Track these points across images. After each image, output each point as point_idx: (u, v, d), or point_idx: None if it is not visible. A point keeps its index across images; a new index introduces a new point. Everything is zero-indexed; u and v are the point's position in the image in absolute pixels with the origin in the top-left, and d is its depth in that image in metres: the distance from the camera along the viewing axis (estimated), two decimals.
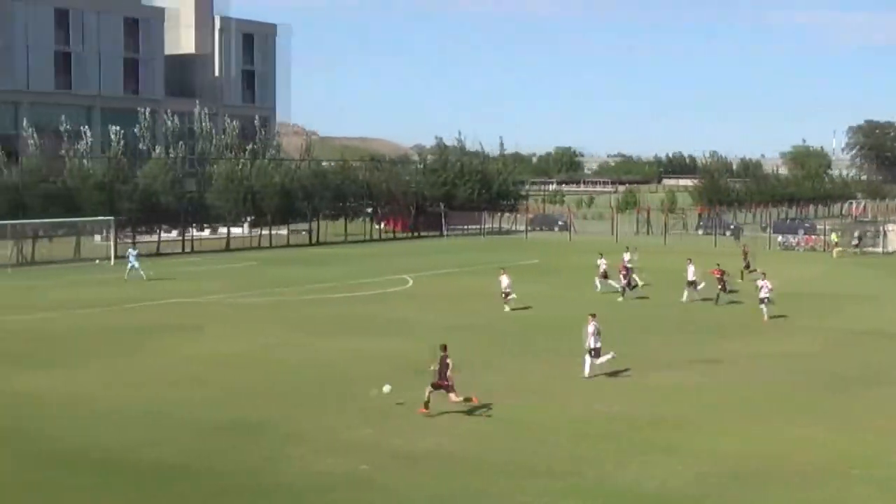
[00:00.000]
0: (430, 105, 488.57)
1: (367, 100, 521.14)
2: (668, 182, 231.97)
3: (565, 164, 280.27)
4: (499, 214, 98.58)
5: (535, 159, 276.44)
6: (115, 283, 50.66)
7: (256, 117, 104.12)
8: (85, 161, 72.82)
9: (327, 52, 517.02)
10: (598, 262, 47.79)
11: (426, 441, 21.79)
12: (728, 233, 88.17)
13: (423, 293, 47.60)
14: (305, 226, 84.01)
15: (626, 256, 50.53)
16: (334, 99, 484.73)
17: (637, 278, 47.48)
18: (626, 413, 24.39)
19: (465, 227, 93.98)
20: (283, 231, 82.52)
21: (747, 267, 53.22)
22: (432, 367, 24.14)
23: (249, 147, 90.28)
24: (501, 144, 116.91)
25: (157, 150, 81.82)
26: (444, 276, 54.19)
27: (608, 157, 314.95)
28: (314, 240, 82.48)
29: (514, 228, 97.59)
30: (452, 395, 23.80)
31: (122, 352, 32.46)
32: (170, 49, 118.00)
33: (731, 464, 20.48)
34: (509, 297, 41.75)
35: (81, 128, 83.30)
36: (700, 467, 20.20)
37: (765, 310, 39.06)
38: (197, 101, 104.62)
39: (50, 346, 33.34)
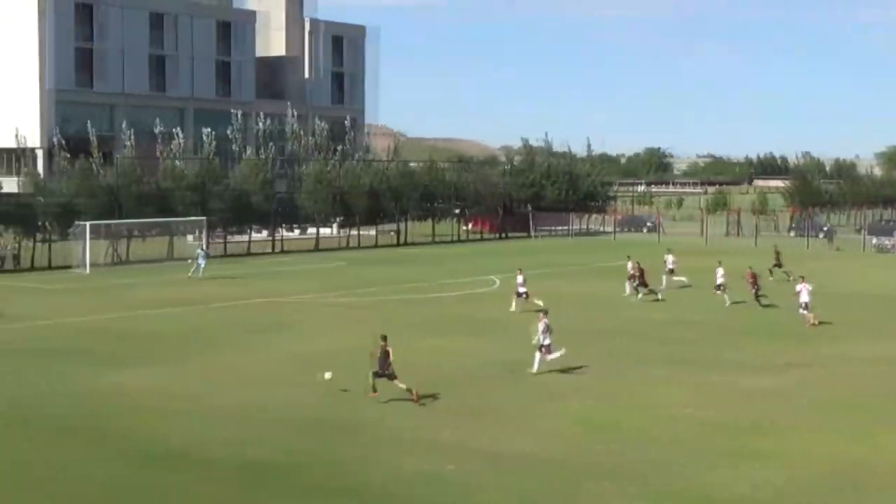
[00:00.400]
0: (518, 106, 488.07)
1: (455, 101, 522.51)
2: (759, 183, 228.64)
3: (654, 166, 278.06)
4: (587, 216, 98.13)
5: (623, 160, 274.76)
6: (207, 283, 51.52)
7: (346, 118, 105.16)
8: (178, 162, 74.18)
9: (416, 53, 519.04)
10: (668, 258, 48.13)
11: (511, 442, 21.84)
12: (821, 235, 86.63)
13: (511, 294, 47.52)
14: (393, 226, 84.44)
15: (670, 258, 50.31)
16: (422, 100, 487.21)
17: (684, 279, 48.50)
18: (717, 417, 24.14)
19: (553, 228, 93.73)
20: (372, 231, 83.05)
21: (778, 265, 52.88)
22: (372, 353, 25.88)
23: (338, 148, 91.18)
24: (589, 145, 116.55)
25: (248, 152, 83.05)
26: (531, 278, 53.93)
27: (698, 157, 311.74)
28: (402, 240, 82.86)
29: (601, 230, 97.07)
30: (396, 382, 25.29)
31: (216, 350, 33.01)
32: (260, 51, 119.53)
33: (823, 469, 20.16)
34: (522, 297, 41.64)
35: (174, 129, 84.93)
36: (791, 472, 19.93)
37: (807, 315, 37.77)
38: (287, 103, 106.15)
39: (144, 345, 34.01)
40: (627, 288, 46.22)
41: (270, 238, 75.11)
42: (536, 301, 40.72)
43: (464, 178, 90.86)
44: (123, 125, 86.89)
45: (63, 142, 73.72)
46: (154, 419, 23.73)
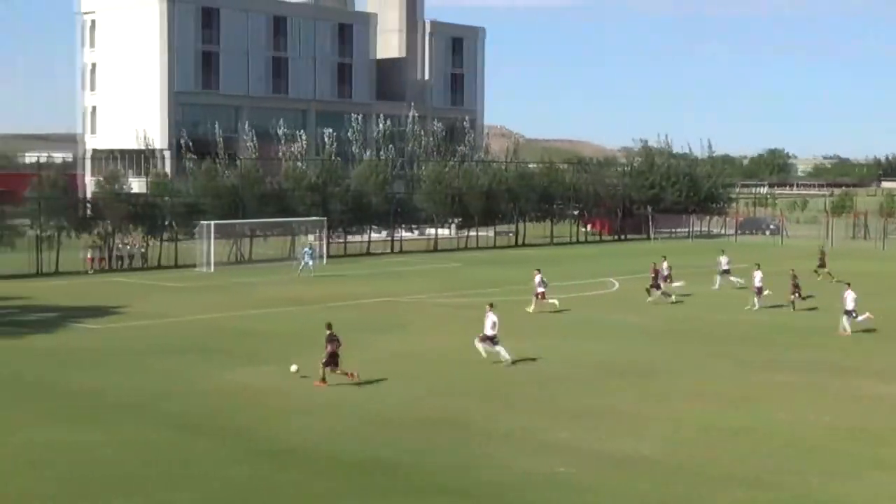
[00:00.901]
0: (637, 106, 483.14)
1: (573, 102, 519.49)
2: (886, 185, 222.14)
3: (776, 167, 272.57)
4: (707, 217, 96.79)
5: (745, 161, 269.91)
6: (325, 282, 52.30)
7: (465, 119, 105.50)
8: (299, 163, 75.42)
9: (535, 54, 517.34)
10: (662, 265, 47.28)
11: (624, 444, 21.76)
12: None
13: (630, 296, 47.28)
14: (511, 227, 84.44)
15: (724, 259, 50.70)
16: (541, 101, 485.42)
17: (741, 280, 48.56)
18: (837, 423, 23.69)
19: (673, 230, 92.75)
20: (489, 232, 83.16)
21: (822, 265, 53.09)
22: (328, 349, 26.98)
23: (456, 149, 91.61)
24: (710, 146, 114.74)
25: (368, 153, 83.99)
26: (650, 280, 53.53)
27: (824, 158, 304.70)
28: (519, 241, 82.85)
29: (722, 232, 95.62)
30: (336, 369, 26.97)
31: None
32: (379, 53, 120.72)
33: None
34: (542, 300, 41.50)
35: (296, 131, 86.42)
36: None
37: (846, 322, 36.58)
38: (405, 105, 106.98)
39: (264, 343, 34.77)
40: (660, 289, 45.74)
41: (389, 238, 75.84)
42: (552, 301, 41.59)
43: (582, 180, 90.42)
44: (246, 126, 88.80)
45: (189, 143, 75.63)
46: (273, 417, 24.26)
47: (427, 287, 50.08)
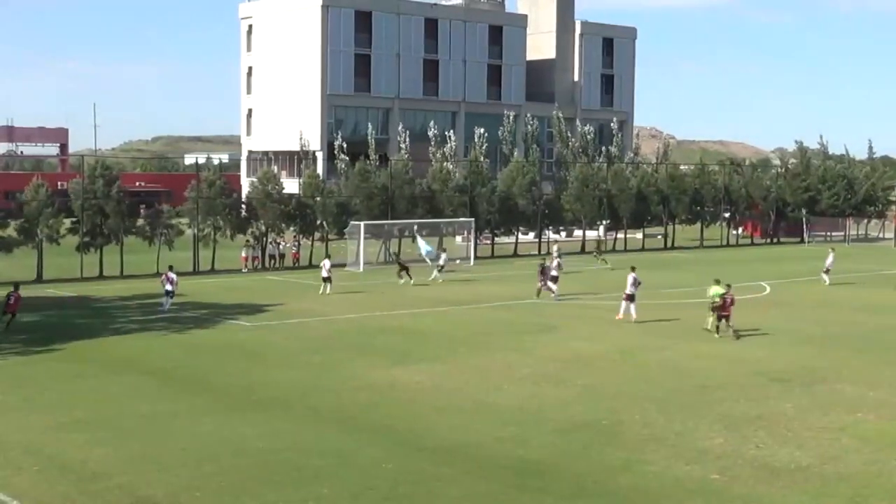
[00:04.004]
0: (792, 107, 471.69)
1: (726, 102, 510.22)
2: None
3: None
4: (865, 221, 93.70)
5: None
6: (474, 283, 52.36)
7: (613, 120, 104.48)
8: (448, 164, 75.75)
9: (688, 54, 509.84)
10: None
11: (781, 453, 21.07)
12: None
13: (782, 301, 46.05)
14: (661, 230, 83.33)
15: (829, 258, 52.70)
16: (693, 101, 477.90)
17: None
18: None
19: (828, 233, 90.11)
20: (638, 235, 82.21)
21: None
22: None
23: (605, 150, 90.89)
24: (870, 148, 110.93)
25: (516, 154, 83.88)
26: (804, 284, 52.12)
27: None
28: (669, 244, 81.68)
29: (881, 236, 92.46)
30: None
31: (485, 349, 33.53)
32: (530, 55, 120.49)
33: None
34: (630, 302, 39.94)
35: (447, 132, 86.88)
36: None
37: None
38: (556, 105, 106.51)
39: (416, 342, 34.96)
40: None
41: (536, 240, 75.60)
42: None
43: (734, 182, 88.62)
44: (399, 128, 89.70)
45: (343, 145, 76.70)
46: (423, 414, 24.32)
47: (575, 289, 49.55)
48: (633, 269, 40.74)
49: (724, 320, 35.95)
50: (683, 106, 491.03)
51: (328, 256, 53.05)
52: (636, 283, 39.71)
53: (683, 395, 26.57)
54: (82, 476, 19.25)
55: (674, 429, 22.96)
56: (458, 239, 73.14)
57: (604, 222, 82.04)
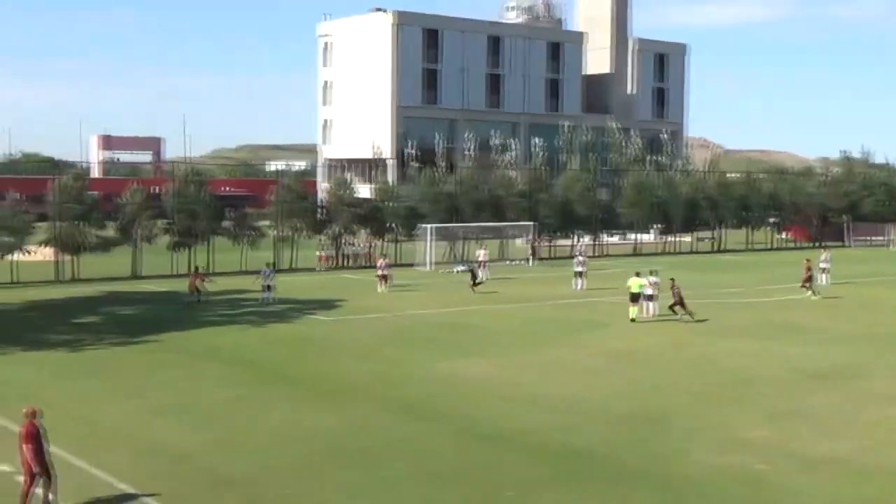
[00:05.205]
0: (836, 117, 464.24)
1: (773, 113, 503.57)
2: None
3: None
4: None
5: None
6: (534, 282, 52.18)
7: (665, 131, 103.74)
8: (510, 172, 75.86)
9: (737, 67, 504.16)
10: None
11: (822, 445, 20.75)
12: None
13: (827, 301, 45.33)
14: (710, 233, 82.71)
15: (823, 257, 53.47)
16: (741, 113, 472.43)
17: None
18: None
19: (870, 238, 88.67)
20: (688, 238, 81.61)
21: None
22: None
23: (657, 159, 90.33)
24: None
25: (573, 162, 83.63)
26: (846, 286, 51.24)
27: None
28: (718, 247, 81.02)
29: None
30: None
31: (538, 344, 33.47)
32: (588, 69, 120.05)
33: None
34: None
35: (508, 140, 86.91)
36: None
37: None
38: (612, 117, 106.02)
39: (477, 337, 35.00)
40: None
41: (593, 243, 75.29)
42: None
43: (780, 189, 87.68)
44: (466, 137, 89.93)
45: (414, 153, 77.14)
46: (484, 404, 24.33)
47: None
48: (652, 272, 40.39)
49: (679, 307, 37.68)
50: (732, 117, 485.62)
51: (384, 256, 53.34)
52: (656, 286, 39.43)
53: (726, 389, 26.29)
54: (170, 456, 19.55)
55: (718, 421, 22.72)
56: (519, 241, 73.11)
57: (656, 226, 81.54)
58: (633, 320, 37.68)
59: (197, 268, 45.37)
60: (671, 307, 38.15)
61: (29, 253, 53.85)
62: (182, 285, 48.88)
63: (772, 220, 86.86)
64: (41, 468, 16.04)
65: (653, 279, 39.68)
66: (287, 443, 20.61)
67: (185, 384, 26.60)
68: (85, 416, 22.74)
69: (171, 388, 26.13)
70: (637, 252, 74.98)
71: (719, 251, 79.63)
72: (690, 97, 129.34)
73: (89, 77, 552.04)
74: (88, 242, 55.24)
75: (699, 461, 19.57)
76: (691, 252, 77.95)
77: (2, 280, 51.50)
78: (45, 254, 55.70)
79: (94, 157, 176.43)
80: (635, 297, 38.15)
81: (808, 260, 48.64)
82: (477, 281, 47.93)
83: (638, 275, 39.04)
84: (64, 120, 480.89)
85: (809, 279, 46.68)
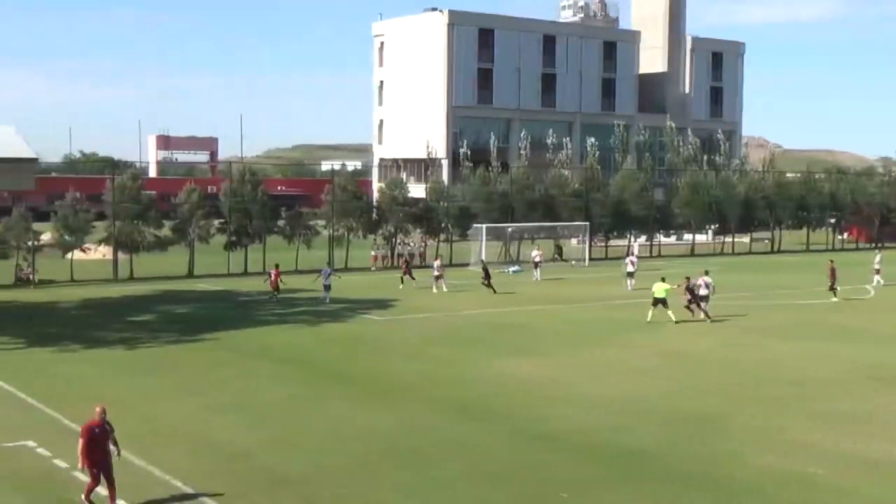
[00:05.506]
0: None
1: (832, 112, 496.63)
2: None
3: None
4: None
5: None
6: (586, 282, 52.09)
7: (720, 131, 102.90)
8: (564, 171, 75.74)
9: (794, 66, 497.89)
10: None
11: (878, 447, 20.57)
12: None
13: (885, 304, 44.78)
14: (767, 234, 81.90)
15: (877, 258, 53.95)
16: (799, 112, 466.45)
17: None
18: None
19: None
20: (745, 239, 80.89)
21: None
22: None
23: (712, 158, 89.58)
24: None
25: (628, 161, 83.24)
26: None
27: None
28: (775, 248, 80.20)
29: None
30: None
31: (590, 344, 33.49)
32: (642, 68, 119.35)
33: None
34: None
35: (563, 140, 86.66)
36: None
37: None
38: (666, 117, 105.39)
39: (526, 336, 35.06)
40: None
41: (648, 243, 74.95)
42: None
43: (840, 188, 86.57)
44: (521, 135, 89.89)
45: (467, 153, 77.26)
46: (538, 403, 24.42)
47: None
48: (706, 272, 40.14)
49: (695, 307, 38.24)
50: (790, 116, 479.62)
51: (439, 256, 53.61)
52: (708, 287, 39.20)
53: (782, 390, 26.12)
54: (227, 455, 19.86)
55: (773, 423, 22.59)
56: (574, 241, 73.00)
57: (712, 227, 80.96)
58: (648, 322, 37.63)
59: (277, 265, 46.12)
60: (687, 306, 38.42)
61: (87, 251, 54.93)
62: (238, 284, 49.55)
63: (832, 220, 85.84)
64: (82, 464, 16.34)
65: (707, 279, 39.47)
66: (342, 442, 20.84)
67: (240, 382, 26.96)
68: (143, 413, 23.16)
69: (227, 385, 26.51)
70: (692, 253, 74.47)
71: (777, 252, 78.84)
72: (747, 96, 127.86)
73: (144, 77, 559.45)
74: (145, 241, 56.22)
75: (753, 463, 19.49)
76: (748, 253, 77.31)
77: (60, 278, 52.52)
78: (102, 252, 56.74)
79: (151, 157, 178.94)
80: (657, 301, 38.18)
81: (832, 261, 48.00)
82: (490, 280, 47.85)
83: (663, 280, 39.12)
84: (123, 120, 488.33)
85: (833, 280, 45.77)
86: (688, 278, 39.55)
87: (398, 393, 25.68)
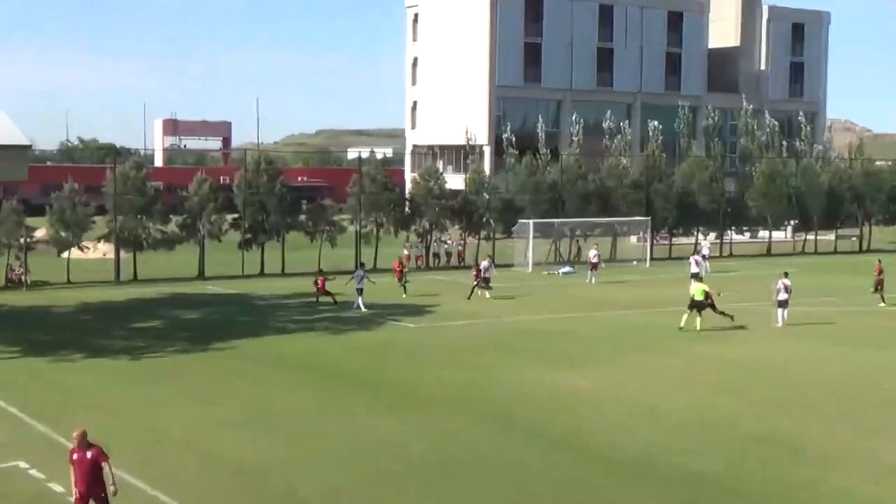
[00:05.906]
0: None
1: None
2: None
3: None
4: None
5: None
6: (646, 285, 51.95)
7: (801, 113, 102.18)
8: (623, 159, 75.26)
9: (887, 40, 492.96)
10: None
11: None
12: None
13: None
14: (855, 231, 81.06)
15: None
16: (892, 91, 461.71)
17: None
18: None
19: None
20: (830, 236, 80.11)
21: None
22: None
23: (793, 144, 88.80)
24: None
25: (695, 148, 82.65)
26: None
27: None
28: (864, 247, 79.35)
29: None
30: None
31: (649, 353, 33.49)
32: (712, 42, 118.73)
33: None
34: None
35: (621, 123, 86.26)
36: None
37: None
38: (739, 97, 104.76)
39: (578, 346, 35.14)
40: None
41: (718, 241, 74.47)
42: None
43: None
44: (571, 119, 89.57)
45: (512, 139, 76.99)
46: (591, 419, 24.47)
47: (754, 294, 48.35)
48: (785, 274, 39.95)
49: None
50: (881, 97, 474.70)
51: (489, 257, 53.11)
52: (787, 290, 39.18)
53: (869, 407, 25.95)
54: (241, 472, 20.05)
55: (860, 444, 22.45)
56: (634, 239, 72.68)
57: (791, 222, 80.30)
58: (680, 328, 37.59)
59: (321, 270, 47.07)
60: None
61: (85, 250, 55.35)
62: (253, 287, 49.88)
63: None
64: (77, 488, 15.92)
65: (786, 282, 39.31)
66: (370, 459, 20.98)
67: (256, 394, 27.16)
68: (147, 423, 23.38)
69: (241, 397, 26.71)
70: (768, 252, 73.96)
71: (866, 251, 78.05)
72: (832, 74, 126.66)
73: (151, 56, 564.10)
74: (150, 238, 56.55)
75: (841, 490, 19.32)
76: (832, 252, 76.56)
77: (55, 279, 53.09)
78: (102, 251, 57.26)
79: (157, 144, 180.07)
80: (693, 305, 38.15)
81: (879, 262, 47.69)
82: (479, 285, 47.47)
83: (701, 280, 39.22)
84: (124, 104, 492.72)
85: (881, 283, 45.70)
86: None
87: (427, 403, 25.93)
